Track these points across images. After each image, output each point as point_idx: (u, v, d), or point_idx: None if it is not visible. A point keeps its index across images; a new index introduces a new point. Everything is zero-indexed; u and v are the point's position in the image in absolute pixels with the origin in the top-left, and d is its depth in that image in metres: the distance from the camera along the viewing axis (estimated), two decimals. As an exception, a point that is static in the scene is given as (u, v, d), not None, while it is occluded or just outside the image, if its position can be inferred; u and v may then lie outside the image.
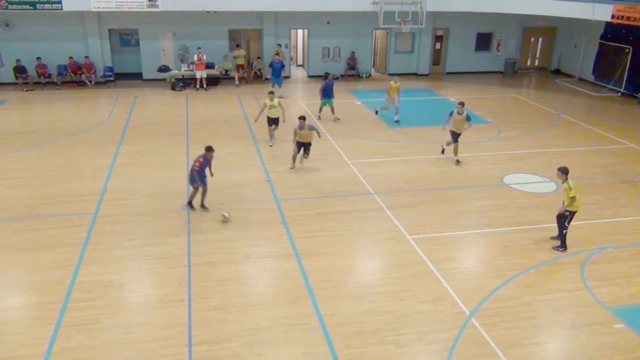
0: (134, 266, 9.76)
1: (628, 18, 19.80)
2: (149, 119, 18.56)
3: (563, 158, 15.55)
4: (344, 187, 13.06)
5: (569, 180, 10.07)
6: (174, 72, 23.13)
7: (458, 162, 14.81)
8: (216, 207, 11.85)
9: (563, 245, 10.48)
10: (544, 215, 12.00)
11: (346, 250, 10.47)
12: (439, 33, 26.39)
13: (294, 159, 14.14)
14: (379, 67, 27.06)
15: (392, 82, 18.40)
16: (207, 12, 22.21)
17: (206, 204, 11.82)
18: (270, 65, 21.79)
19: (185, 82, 22.94)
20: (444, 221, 11.66)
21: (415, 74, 26.34)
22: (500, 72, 27.27)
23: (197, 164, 11.23)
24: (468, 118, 14.48)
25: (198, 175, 11.31)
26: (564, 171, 10.13)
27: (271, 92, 15.96)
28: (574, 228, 11.28)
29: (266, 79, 23.67)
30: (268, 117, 15.87)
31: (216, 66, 23.43)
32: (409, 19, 22.85)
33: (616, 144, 17.03)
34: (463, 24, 25.97)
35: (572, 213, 10.25)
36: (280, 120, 15.90)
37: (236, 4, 21.76)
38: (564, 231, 10.39)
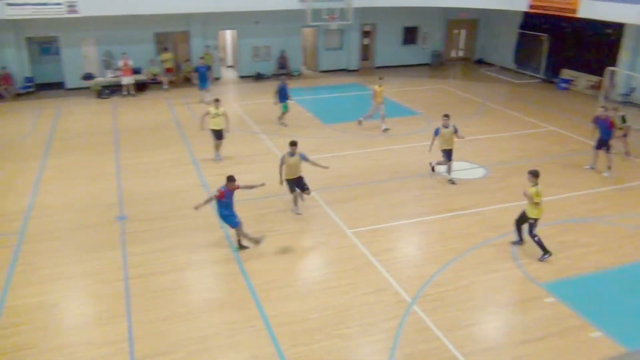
0: (67, 285, 9.36)
1: (544, 7, 20.84)
2: (75, 130, 17.80)
3: (490, 144, 16.22)
4: (280, 187, 13.01)
5: (538, 186, 9.78)
6: (99, 79, 22.30)
7: (452, 182, 13.37)
8: (158, 216, 11.61)
9: (546, 252, 10.01)
10: (475, 199, 12.49)
11: (287, 250, 10.48)
12: (367, 28, 26.82)
13: (295, 202, 11.90)
14: (309, 65, 27.17)
15: (376, 87, 17.08)
16: (132, 15, 21.51)
17: (245, 242, 10.39)
18: (196, 70, 21.26)
19: (112, 89, 22.17)
20: (381, 213, 11.89)
21: (346, 70, 26.64)
22: (428, 64, 28.04)
23: (218, 193, 9.95)
24: (454, 130, 13.16)
25: (220, 205, 10.08)
26: (534, 174, 9.81)
27: (217, 100, 14.66)
28: (504, 210, 11.83)
29: (195, 83, 23.12)
30: (211, 130, 14.59)
31: (143, 71, 22.80)
32: (337, 15, 23.10)
33: (538, 127, 17.93)
34: (389, 18, 26.51)
35: (535, 220, 9.95)
36: (225, 131, 14.63)
37: (161, 7, 21.22)
38: (536, 238, 10.01)
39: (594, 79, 21.85)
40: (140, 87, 22.48)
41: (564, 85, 23.17)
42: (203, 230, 11.10)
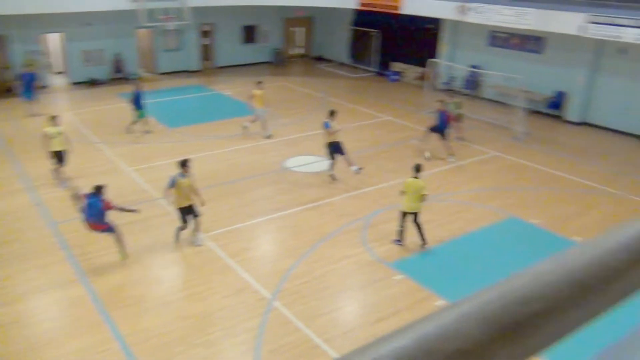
0: None
1: (371, 5, 22.23)
2: None
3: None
4: (128, 197, 12.35)
5: (409, 180, 10.10)
6: None
7: (360, 169, 13.34)
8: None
9: (400, 241, 10.48)
10: (324, 192, 12.99)
11: (139, 262, 9.99)
12: (206, 28, 26.39)
13: (177, 236, 10.41)
14: (148, 67, 26.01)
15: (255, 90, 16.11)
16: None
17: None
18: (21, 78, 19.16)
19: None
20: (235, 213, 11.85)
21: (187, 71, 25.99)
22: (269, 62, 28.42)
23: (110, 204, 9.65)
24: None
25: (102, 216, 9.71)
26: (417, 168, 10.09)
27: (53, 117, 12.75)
28: (352, 198, 12.47)
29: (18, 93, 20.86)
30: (51, 152, 12.63)
31: (-48, 83, 20.09)
32: (173, 15, 22.40)
33: (375, 118, 19.15)
34: (228, 17, 26.36)
35: (402, 213, 10.25)
36: (67, 153, 12.89)
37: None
38: (400, 228, 10.39)
39: (420, 70, 23.85)
40: (-50, 100, 19.79)
41: (394, 77, 24.98)
42: (43, 253, 10.14)
